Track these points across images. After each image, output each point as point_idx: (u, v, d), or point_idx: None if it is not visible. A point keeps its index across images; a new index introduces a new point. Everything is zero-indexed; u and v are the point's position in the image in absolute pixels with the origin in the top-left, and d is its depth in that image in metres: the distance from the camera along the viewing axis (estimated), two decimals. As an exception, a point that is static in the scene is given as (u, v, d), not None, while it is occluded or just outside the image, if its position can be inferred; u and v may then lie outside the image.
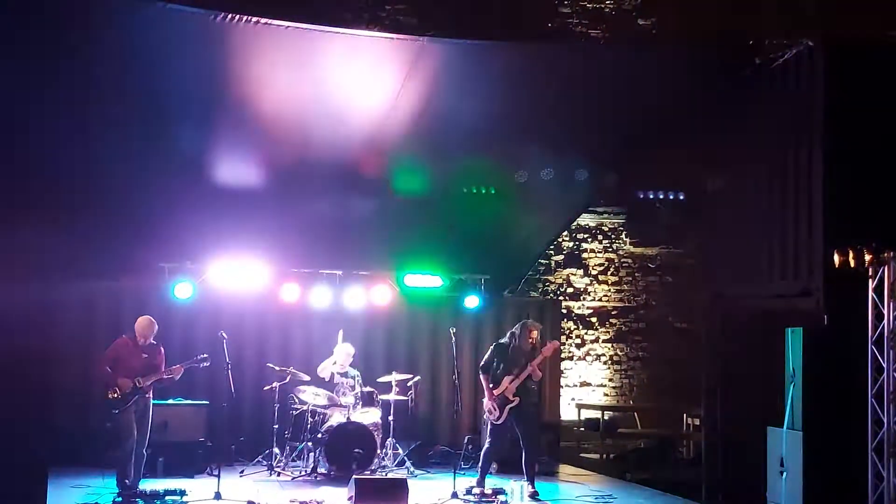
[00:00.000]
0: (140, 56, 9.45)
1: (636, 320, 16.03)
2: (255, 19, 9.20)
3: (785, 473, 9.43)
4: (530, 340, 10.39)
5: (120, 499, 9.36)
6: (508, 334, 10.64)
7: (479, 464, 10.52)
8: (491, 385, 10.37)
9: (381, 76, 10.21)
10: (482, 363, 10.59)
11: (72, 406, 11.87)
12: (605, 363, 15.82)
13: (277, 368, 11.64)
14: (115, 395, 9.58)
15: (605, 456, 14.38)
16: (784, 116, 10.31)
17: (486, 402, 10.42)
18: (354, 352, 12.03)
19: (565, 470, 12.83)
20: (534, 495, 10.20)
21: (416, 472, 11.74)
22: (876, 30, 14.37)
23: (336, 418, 11.35)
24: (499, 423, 10.35)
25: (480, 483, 10.29)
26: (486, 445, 10.48)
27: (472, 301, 13.30)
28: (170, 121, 10.43)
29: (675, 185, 15.24)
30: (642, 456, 14.15)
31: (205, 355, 10.14)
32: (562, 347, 14.83)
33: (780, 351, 9.73)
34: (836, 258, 8.85)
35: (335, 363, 11.88)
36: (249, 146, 11.19)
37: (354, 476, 9.67)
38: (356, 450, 10.97)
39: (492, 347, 10.68)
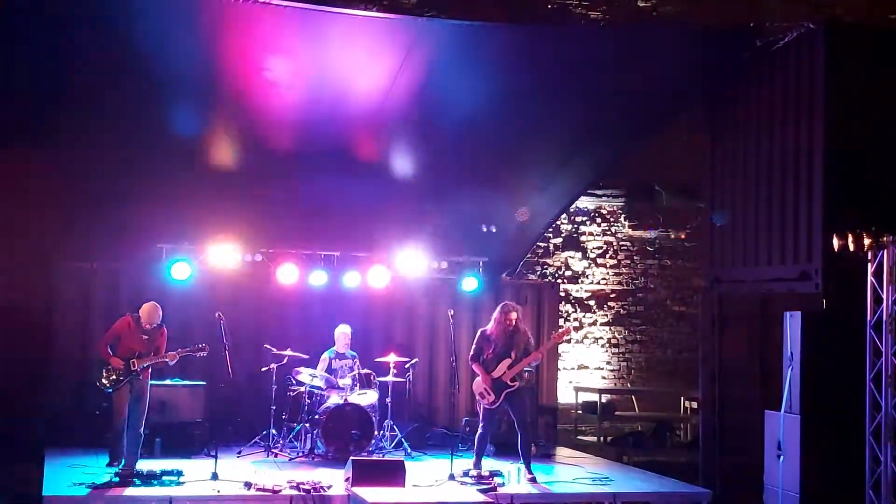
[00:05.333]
0: (137, 36, 9.38)
1: (634, 303, 16.00)
2: (253, -2, 9.15)
3: (782, 457, 9.44)
4: (510, 321, 10.34)
5: (117, 479, 9.36)
6: (495, 321, 10.55)
7: (475, 447, 10.52)
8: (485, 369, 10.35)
9: (379, 57, 10.16)
10: (471, 353, 10.53)
11: (69, 387, 11.88)
12: (602, 346, 15.81)
13: (275, 350, 11.64)
14: (108, 375, 9.61)
15: (602, 438, 14.40)
16: (785, 99, 10.28)
17: (477, 387, 10.39)
18: (351, 332, 12.05)
19: (562, 452, 12.84)
20: (532, 479, 10.20)
21: (414, 453, 11.74)
22: (877, 13, 14.34)
23: (333, 400, 11.36)
24: (492, 407, 10.33)
25: (477, 465, 10.30)
26: (480, 430, 10.48)
27: (470, 284, 13.27)
28: (168, 101, 10.38)
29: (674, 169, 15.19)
30: (639, 439, 14.16)
31: (203, 345, 10.14)
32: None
33: (779, 334, 9.73)
34: (836, 242, 8.85)
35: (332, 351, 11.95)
36: (248, 127, 11.14)
37: (352, 457, 9.67)
38: (353, 431, 10.99)
39: (477, 336, 10.64)
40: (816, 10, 13.72)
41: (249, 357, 11.94)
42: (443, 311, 12.24)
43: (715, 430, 11.26)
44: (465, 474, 10.06)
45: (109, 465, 9.75)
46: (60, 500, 8.85)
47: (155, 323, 9.95)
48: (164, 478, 9.39)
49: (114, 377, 9.65)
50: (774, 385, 9.82)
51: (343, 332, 12.02)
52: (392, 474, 9.25)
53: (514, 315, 10.38)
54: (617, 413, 14.94)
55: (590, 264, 15.84)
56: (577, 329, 15.62)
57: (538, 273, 15.52)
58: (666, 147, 13.62)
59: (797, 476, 9.24)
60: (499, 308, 10.52)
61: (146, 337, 9.84)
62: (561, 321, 14.97)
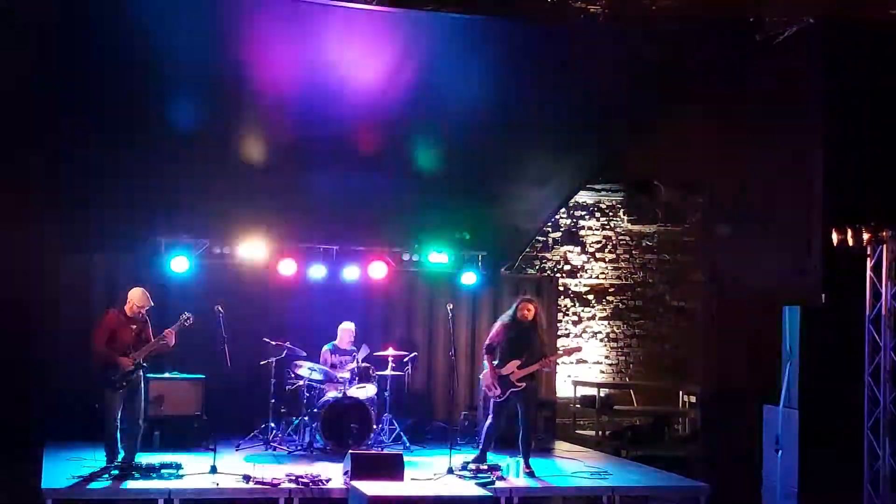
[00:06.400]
0: (137, 29, 9.38)
1: (633, 298, 16.01)
2: (253, -9, 9.15)
3: (780, 451, 9.45)
4: (524, 316, 10.34)
5: (116, 472, 9.36)
6: (510, 312, 10.53)
7: (481, 439, 10.51)
8: (495, 363, 10.34)
9: (378, 50, 10.15)
10: (487, 343, 10.51)
11: (68, 380, 11.86)
12: (601, 340, 15.81)
13: (274, 343, 11.64)
14: (117, 373, 9.54)
15: (600, 433, 14.40)
16: (784, 94, 10.28)
17: (485, 379, 10.38)
18: (354, 329, 12.07)
19: (561, 446, 12.85)
20: (530, 473, 10.21)
21: (413, 447, 11.75)
22: (877, 8, 14.32)
23: (332, 393, 11.36)
24: (501, 400, 10.33)
25: (482, 459, 10.27)
26: (489, 421, 10.46)
27: (469, 278, 13.27)
28: (167, 94, 10.37)
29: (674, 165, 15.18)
30: (638, 433, 14.17)
31: (187, 315, 9.97)
32: (558, 325, 14.83)
33: (777, 329, 9.74)
34: (835, 237, 8.86)
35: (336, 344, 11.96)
36: (247, 121, 11.14)
37: (350, 451, 9.67)
38: (352, 425, 10.99)
39: (495, 326, 10.62)
40: (816, 4, 13.72)
41: (248, 351, 11.93)
42: (442, 304, 12.24)
43: (713, 425, 11.28)
44: (464, 468, 10.07)
45: (108, 459, 9.68)
46: (59, 493, 8.83)
47: (146, 307, 9.80)
48: (163, 471, 9.39)
49: (125, 373, 9.57)
50: (772, 379, 9.82)
51: (347, 328, 12.04)
52: (391, 468, 9.25)
53: (528, 310, 10.35)
54: (615, 407, 14.93)
55: (588, 259, 15.84)
56: (575, 323, 15.63)
57: (537, 267, 15.52)
58: (665, 141, 13.60)
59: (795, 470, 9.26)
60: (517, 302, 10.50)
61: (135, 327, 9.74)
62: (560, 316, 14.99)
